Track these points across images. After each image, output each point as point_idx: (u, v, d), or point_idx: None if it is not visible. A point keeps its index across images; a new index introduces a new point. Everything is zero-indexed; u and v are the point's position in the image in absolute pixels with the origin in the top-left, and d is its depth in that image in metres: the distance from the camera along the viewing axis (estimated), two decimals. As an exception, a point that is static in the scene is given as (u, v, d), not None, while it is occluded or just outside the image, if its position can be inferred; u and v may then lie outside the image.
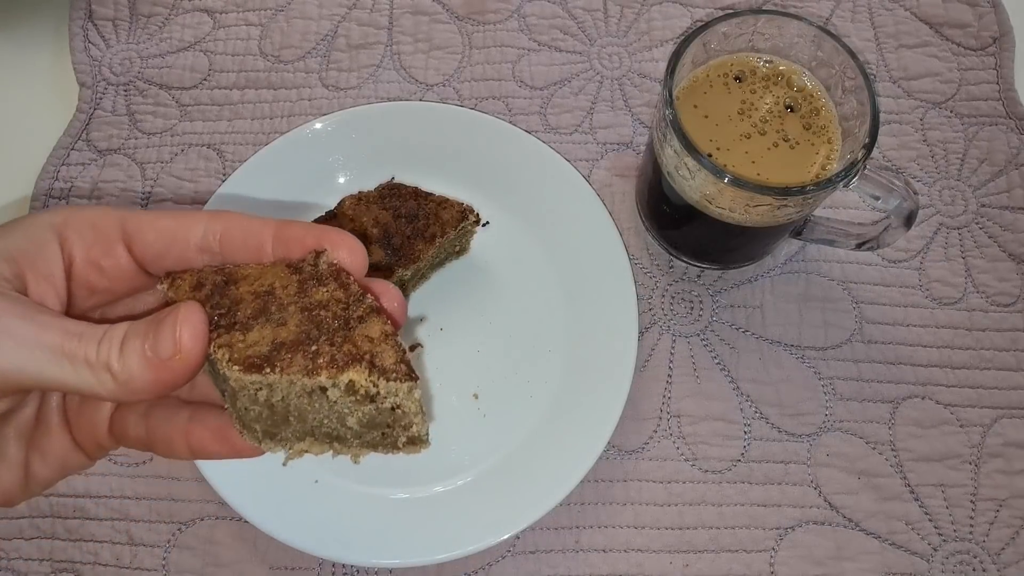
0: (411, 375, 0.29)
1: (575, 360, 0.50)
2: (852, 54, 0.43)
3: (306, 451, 0.31)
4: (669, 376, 0.51)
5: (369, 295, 0.31)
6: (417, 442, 0.31)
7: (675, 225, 0.52)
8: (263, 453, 0.32)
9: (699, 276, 0.54)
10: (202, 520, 0.49)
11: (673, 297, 0.53)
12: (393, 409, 0.30)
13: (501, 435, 0.49)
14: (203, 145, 0.58)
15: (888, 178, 0.44)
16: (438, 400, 0.51)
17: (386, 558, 0.45)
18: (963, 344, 0.52)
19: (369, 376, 0.28)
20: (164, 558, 0.48)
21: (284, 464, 0.33)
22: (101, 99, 0.59)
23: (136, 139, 0.58)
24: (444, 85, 0.59)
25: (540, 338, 0.52)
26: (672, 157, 0.44)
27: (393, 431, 0.31)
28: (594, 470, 0.47)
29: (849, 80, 0.44)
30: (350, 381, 0.28)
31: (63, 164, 0.57)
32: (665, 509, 0.49)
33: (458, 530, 0.46)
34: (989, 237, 0.55)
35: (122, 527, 0.48)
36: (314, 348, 0.29)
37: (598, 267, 0.51)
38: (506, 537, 0.45)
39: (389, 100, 0.59)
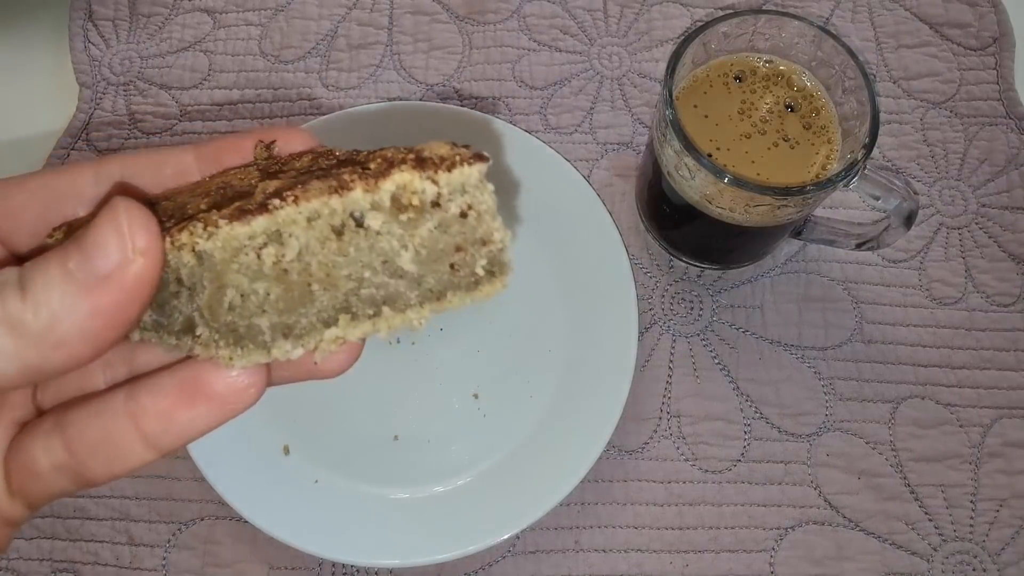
0: (479, 155, 0.21)
1: (575, 360, 0.50)
2: (852, 54, 0.43)
3: (341, 338, 0.22)
4: (669, 376, 0.51)
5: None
6: (499, 267, 0.22)
7: (675, 225, 0.52)
8: (263, 387, 0.22)
9: (699, 276, 0.54)
10: (202, 520, 0.49)
11: (673, 297, 0.53)
12: (463, 215, 0.21)
13: (501, 435, 0.49)
14: (203, 145, 0.57)
15: (888, 178, 0.44)
16: (438, 400, 0.51)
17: (386, 558, 0.45)
18: (963, 344, 0.52)
19: (424, 173, 0.21)
20: (164, 558, 0.48)
21: (316, 363, 0.23)
22: (101, 99, 0.59)
23: (136, 139, 0.58)
24: (444, 85, 0.59)
25: (540, 338, 0.52)
26: (672, 157, 0.44)
27: (466, 256, 0.22)
28: (594, 470, 0.47)
29: (849, 80, 0.44)
30: (398, 188, 0.21)
31: (63, 164, 0.57)
32: (665, 509, 0.49)
33: (458, 530, 0.46)
34: (989, 237, 0.55)
35: (122, 527, 0.48)
36: (331, 179, 0.21)
37: (598, 267, 0.51)
38: (506, 537, 0.45)
39: (389, 100, 0.59)
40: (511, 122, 0.55)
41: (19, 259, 0.22)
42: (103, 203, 0.21)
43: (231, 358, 0.21)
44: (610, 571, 0.48)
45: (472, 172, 0.21)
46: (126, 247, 0.19)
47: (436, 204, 0.21)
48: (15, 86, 0.61)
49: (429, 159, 0.21)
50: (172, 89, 0.59)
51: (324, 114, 0.56)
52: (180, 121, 0.58)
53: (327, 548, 0.45)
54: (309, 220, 0.21)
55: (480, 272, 0.22)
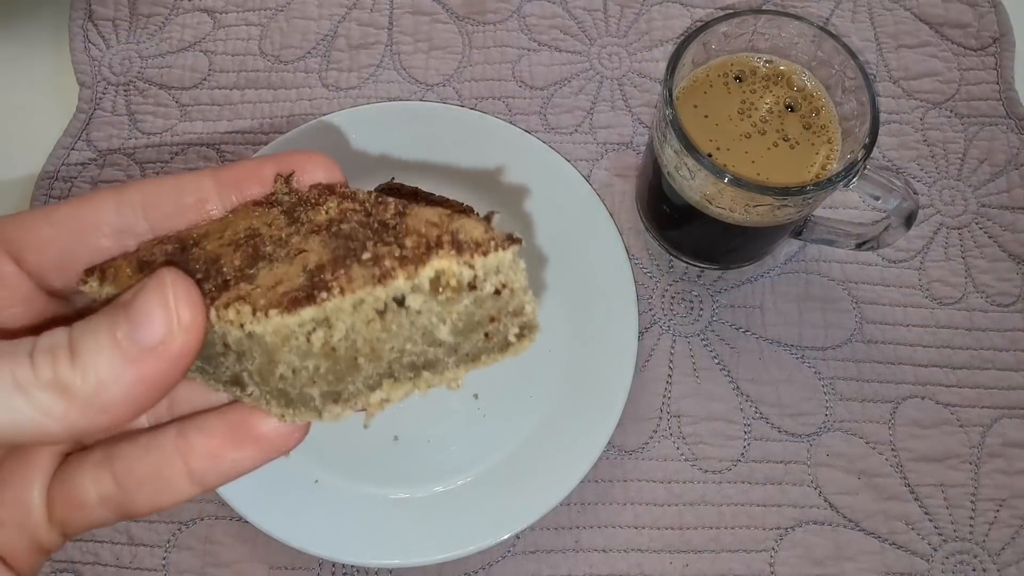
0: (512, 237, 0.22)
1: (575, 360, 0.50)
2: (852, 54, 0.43)
3: (387, 401, 0.24)
4: (669, 376, 0.51)
5: (390, 198, 0.24)
6: (529, 330, 0.25)
7: (675, 225, 0.52)
8: (307, 430, 0.24)
9: (699, 276, 0.54)
10: (202, 520, 0.49)
11: (673, 297, 0.53)
12: (497, 293, 0.23)
13: (501, 435, 0.49)
14: (203, 145, 0.58)
15: (888, 178, 0.44)
16: (438, 400, 0.51)
17: (386, 558, 0.45)
18: (963, 344, 0.52)
19: (460, 257, 0.22)
20: (164, 558, 0.48)
21: (366, 426, 0.25)
22: (101, 99, 0.59)
23: (136, 139, 0.58)
24: (444, 85, 0.59)
25: (540, 338, 0.51)
26: (672, 157, 0.44)
27: (499, 325, 0.24)
28: (594, 470, 0.47)
29: (849, 80, 0.44)
30: (437, 273, 0.22)
31: (63, 164, 0.57)
32: (665, 509, 0.49)
33: (458, 530, 0.46)
34: (989, 237, 0.55)
35: (122, 527, 0.48)
36: (367, 256, 0.22)
37: (598, 267, 0.51)
38: (506, 537, 0.45)
39: (389, 100, 0.59)
40: (511, 122, 0.55)
41: (47, 292, 0.23)
42: (141, 255, 0.23)
43: (283, 416, 0.23)
44: (610, 571, 0.48)
45: (506, 256, 0.22)
46: (172, 322, 0.20)
47: (472, 286, 0.23)
48: (15, 86, 0.61)
49: (466, 244, 0.22)
50: (172, 89, 0.59)
51: (324, 114, 0.56)
52: (180, 121, 0.58)
53: (327, 548, 0.45)
54: (354, 306, 0.22)
55: (512, 339, 0.25)
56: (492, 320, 0.24)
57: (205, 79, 0.59)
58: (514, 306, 0.24)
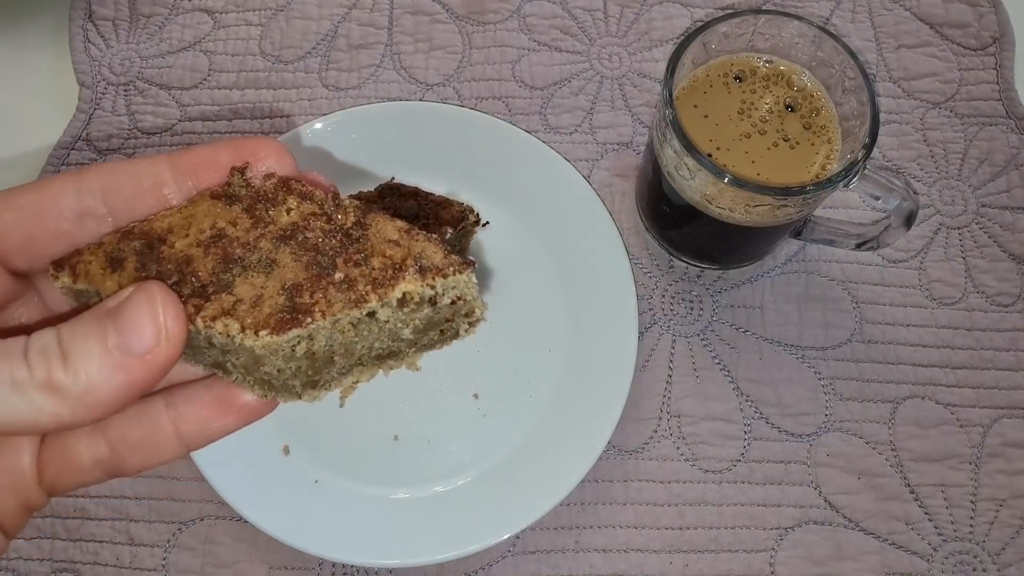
0: (467, 261, 0.26)
1: (575, 360, 0.50)
2: (852, 54, 0.43)
3: (357, 382, 0.30)
4: (669, 376, 0.51)
5: (344, 196, 0.27)
6: (476, 323, 0.29)
7: (675, 225, 0.52)
8: (276, 406, 0.28)
9: (699, 276, 0.54)
10: (202, 520, 0.49)
11: (673, 297, 0.53)
12: (453, 303, 0.27)
13: (501, 435, 0.49)
14: (203, 145, 0.57)
15: (888, 178, 0.44)
16: (438, 400, 0.51)
17: (386, 558, 0.45)
18: (963, 344, 0.52)
19: (424, 281, 0.26)
20: (164, 558, 0.48)
21: (341, 406, 0.31)
22: (101, 99, 0.59)
23: (136, 139, 0.58)
24: (444, 85, 0.59)
25: (540, 338, 0.52)
26: (672, 157, 0.44)
27: (453, 323, 0.29)
28: (594, 470, 0.47)
29: (849, 80, 0.44)
30: (403, 294, 0.25)
31: (63, 164, 0.57)
32: (665, 509, 0.49)
33: (458, 530, 0.46)
34: (989, 237, 0.55)
35: (122, 527, 0.48)
36: (340, 276, 0.25)
37: (598, 267, 0.51)
38: (506, 537, 0.45)
39: (389, 100, 0.59)
40: (511, 122, 0.55)
41: (11, 272, 0.25)
42: (124, 266, 0.24)
43: (265, 396, 0.27)
44: (610, 571, 0.48)
45: (463, 278, 0.26)
46: (160, 334, 0.22)
47: (433, 301, 0.27)
48: (15, 86, 0.61)
49: (430, 267, 0.26)
50: (172, 89, 0.59)
51: (324, 114, 0.56)
52: (180, 121, 0.58)
53: (327, 548, 0.45)
54: (333, 324, 0.25)
55: (462, 332, 0.29)
56: (447, 320, 0.28)
57: (205, 79, 0.59)
58: (466, 310, 0.28)
